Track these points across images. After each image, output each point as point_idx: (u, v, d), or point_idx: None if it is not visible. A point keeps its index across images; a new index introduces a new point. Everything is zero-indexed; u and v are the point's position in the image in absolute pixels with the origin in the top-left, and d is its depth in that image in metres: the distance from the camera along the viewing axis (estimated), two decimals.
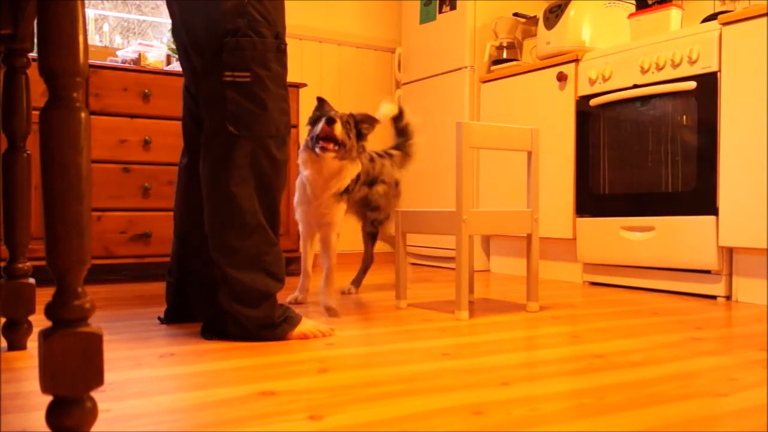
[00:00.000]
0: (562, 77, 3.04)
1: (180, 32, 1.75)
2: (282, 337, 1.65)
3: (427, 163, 3.81)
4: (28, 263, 1.53)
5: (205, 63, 1.63)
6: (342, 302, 2.32)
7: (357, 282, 2.62)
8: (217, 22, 1.59)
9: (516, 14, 3.63)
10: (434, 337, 1.71)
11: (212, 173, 1.63)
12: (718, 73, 2.44)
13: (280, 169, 1.67)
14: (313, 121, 2.13)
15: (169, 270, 1.89)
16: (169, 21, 2.66)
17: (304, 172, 2.11)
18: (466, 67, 3.59)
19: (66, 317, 0.80)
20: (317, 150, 2.02)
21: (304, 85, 3.35)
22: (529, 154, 2.16)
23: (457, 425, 1.01)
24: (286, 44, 1.68)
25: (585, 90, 2.93)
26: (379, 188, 2.46)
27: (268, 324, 1.64)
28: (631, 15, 2.97)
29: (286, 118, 1.68)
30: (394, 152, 2.60)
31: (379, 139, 3.67)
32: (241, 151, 1.60)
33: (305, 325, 1.69)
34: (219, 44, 1.59)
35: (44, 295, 0.98)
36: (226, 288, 1.63)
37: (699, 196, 2.49)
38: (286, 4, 1.80)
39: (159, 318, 1.91)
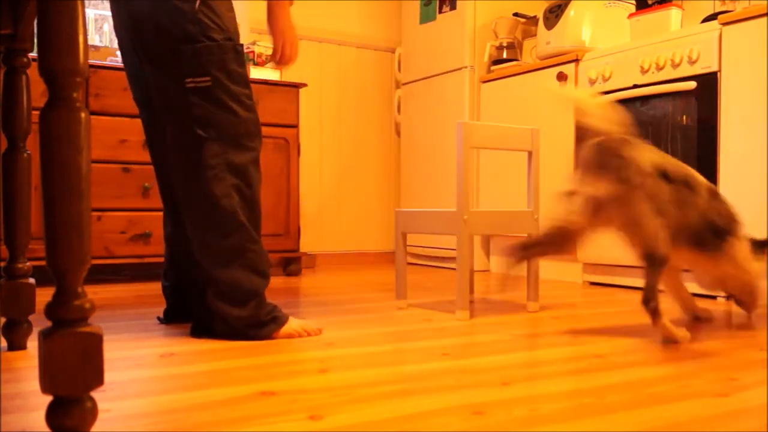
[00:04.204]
0: (562, 77, 3.04)
1: (125, 34, 1.72)
2: (268, 336, 1.65)
3: (427, 163, 3.81)
4: (28, 263, 1.53)
5: (163, 72, 1.63)
6: (339, 302, 2.32)
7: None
8: (168, 30, 1.59)
9: (516, 14, 3.63)
10: (434, 337, 1.71)
11: (186, 176, 1.64)
12: (718, 73, 2.44)
13: (252, 164, 1.68)
14: None
15: (164, 273, 1.90)
16: None
17: None
18: (466, 67, 3.59)
19: (66, 317, 0.80)
20: None
21: (304, 85, 3.34)
22: (530, 154, 2.16)
23: (457, 425, 1.01)
24: (242, 45, 1.69)
25: (585, 90, 2.93)
26: None
27: (254, 323, 1.64)
28: (631, 15, 2.97)
29: (252, 114, 1.69)
30: None
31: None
32: (210, 151, 1.61)
33: (292, 325, 1.69)
34: (174, 52, 1.59)
35: (44, 295, 0.98)
36: (212, 288, 1.64)
37: None
38: None
39: (159, 318, 1.91)
